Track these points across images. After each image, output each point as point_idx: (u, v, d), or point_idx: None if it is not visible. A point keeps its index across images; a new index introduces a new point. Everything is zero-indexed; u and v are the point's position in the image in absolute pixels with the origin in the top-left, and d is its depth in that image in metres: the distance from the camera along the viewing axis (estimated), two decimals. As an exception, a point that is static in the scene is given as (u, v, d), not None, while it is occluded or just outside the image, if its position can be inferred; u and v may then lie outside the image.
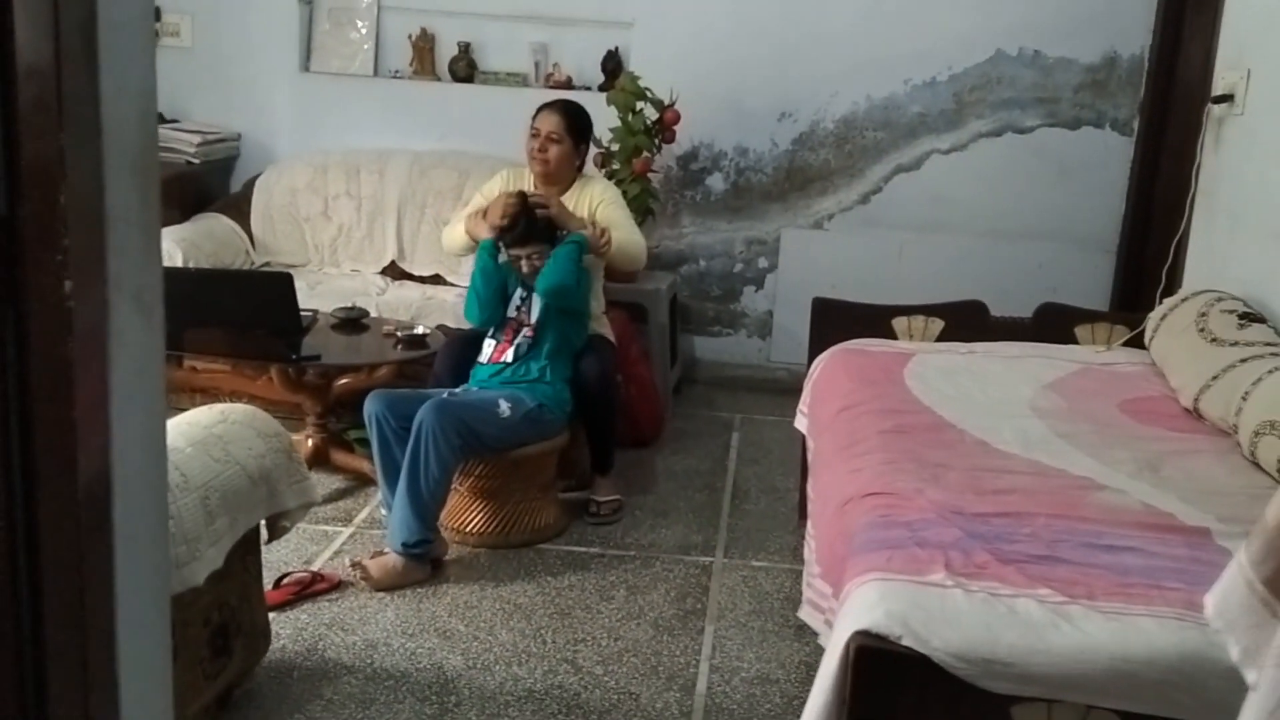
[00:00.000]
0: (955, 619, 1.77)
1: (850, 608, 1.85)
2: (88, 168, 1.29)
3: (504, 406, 3.25)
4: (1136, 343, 3.51)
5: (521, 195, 3.43)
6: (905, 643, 1.73)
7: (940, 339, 3.68)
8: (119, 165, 1.34)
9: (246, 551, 2.40)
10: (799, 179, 4.92)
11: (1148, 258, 4.33)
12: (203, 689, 2.28)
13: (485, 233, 3.46)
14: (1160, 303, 3.48)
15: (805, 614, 2.35)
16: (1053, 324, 3.66)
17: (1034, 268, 4.71)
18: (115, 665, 1.37)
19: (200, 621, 2.23)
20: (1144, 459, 2.61)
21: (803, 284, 4.64)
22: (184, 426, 2.26)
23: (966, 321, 3.67)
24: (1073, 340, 3.63)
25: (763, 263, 5.01)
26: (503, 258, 3.46)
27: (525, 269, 3.42)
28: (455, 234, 3.64)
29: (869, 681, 1.74)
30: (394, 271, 4.75)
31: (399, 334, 3.74)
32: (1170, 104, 4.31)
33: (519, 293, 3.48)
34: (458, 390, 3.39)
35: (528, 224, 3.38)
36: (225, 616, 2.33)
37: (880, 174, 4.89)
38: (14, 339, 1.23)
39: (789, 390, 3.43)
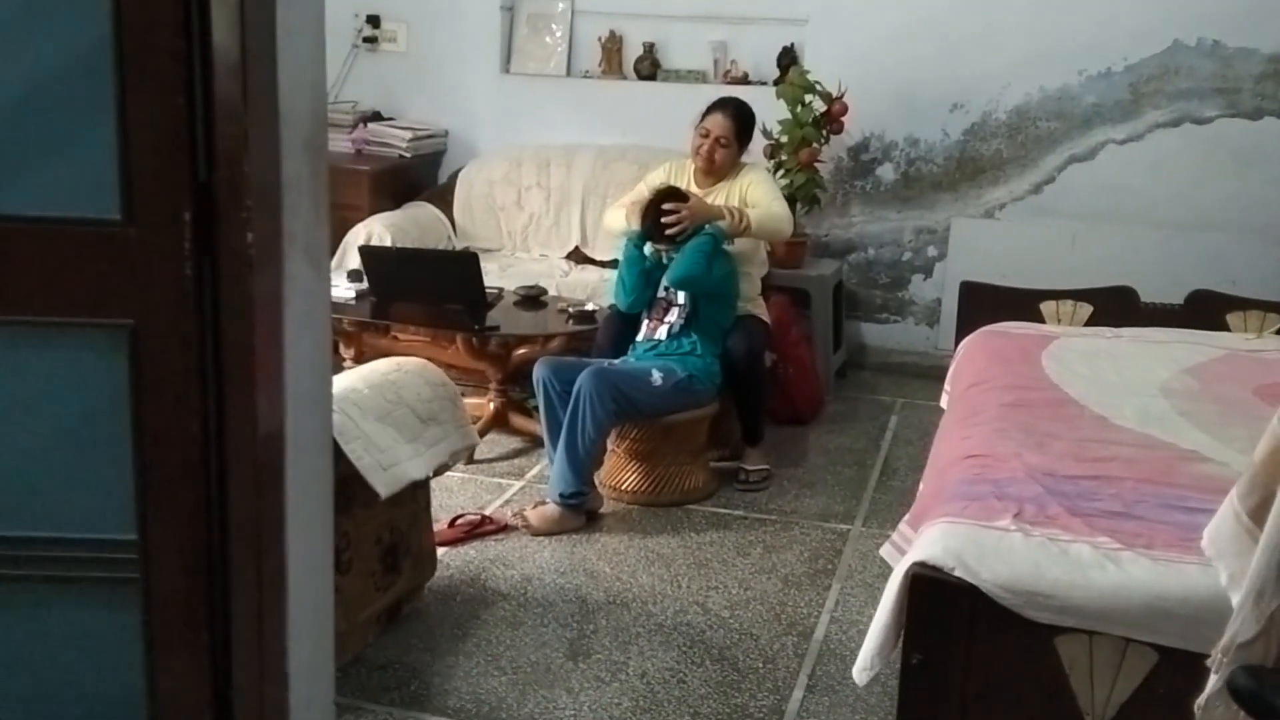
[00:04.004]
0: (1007, 556, 1.95)
1: (916, 545, 2.05)
2: (267, 145, 1.66)
3: (656, 376, 3.55)
4: (1296, 332, 3.48)
5: (658, 199, 3.68)
6: (957, 574, 1.93)
7: (1089, 324, 3.74)
8: (293, 144, 1.71)
9: (417, 485, 2.78)
10: (970, 169, 5.01)
11: (1330, 249, 4.22)
12: (373, 599, 2.67)
13: (633, 224, 3.77)
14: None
15: (884, 551, 2.52)
16: (1204, 311, 3.66)
17: (1211, 259, 4.62)
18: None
19: (372, 539, 2.62)
20: (1260, 437, 2.65)
21: (972, 272, 4.66)
22: (365, 373, 2.66)
23: (1115, 307, 3.72)
24: (1224, 327, 3.62)
25: (932, 251, 5.12)
26: (648, 249, 3.75)
27: (664, 259, 3.71)
28: (615, 218, 3.96)
29: (923, 607, 1.94)
30: (577, 256, 5.13)
31: (570, 310, 4.11)
32: (1358, 91, 4.19)
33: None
34: (616, 361, 3.71)
35: (658, 226, 3.65)
36: (395, 538, 2.72)
37: (1053, 164, 4.91)
38: (209, 277, 1.62)
39: (956, 377, 3.59)
